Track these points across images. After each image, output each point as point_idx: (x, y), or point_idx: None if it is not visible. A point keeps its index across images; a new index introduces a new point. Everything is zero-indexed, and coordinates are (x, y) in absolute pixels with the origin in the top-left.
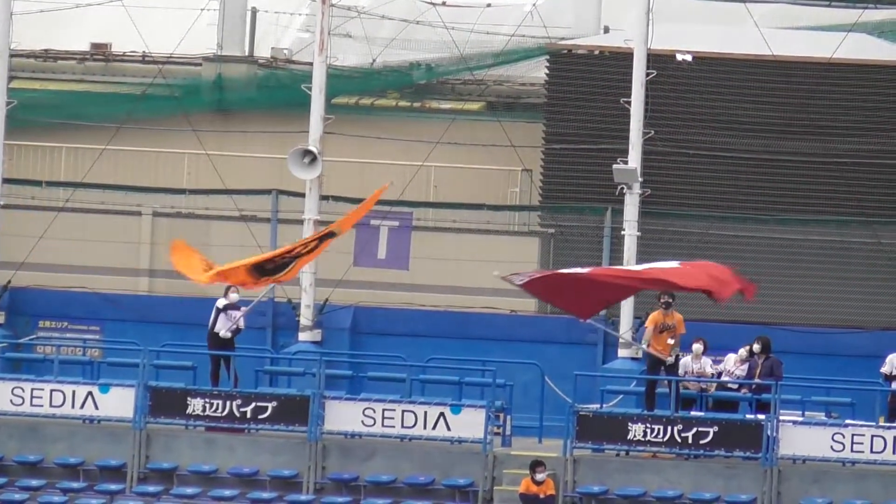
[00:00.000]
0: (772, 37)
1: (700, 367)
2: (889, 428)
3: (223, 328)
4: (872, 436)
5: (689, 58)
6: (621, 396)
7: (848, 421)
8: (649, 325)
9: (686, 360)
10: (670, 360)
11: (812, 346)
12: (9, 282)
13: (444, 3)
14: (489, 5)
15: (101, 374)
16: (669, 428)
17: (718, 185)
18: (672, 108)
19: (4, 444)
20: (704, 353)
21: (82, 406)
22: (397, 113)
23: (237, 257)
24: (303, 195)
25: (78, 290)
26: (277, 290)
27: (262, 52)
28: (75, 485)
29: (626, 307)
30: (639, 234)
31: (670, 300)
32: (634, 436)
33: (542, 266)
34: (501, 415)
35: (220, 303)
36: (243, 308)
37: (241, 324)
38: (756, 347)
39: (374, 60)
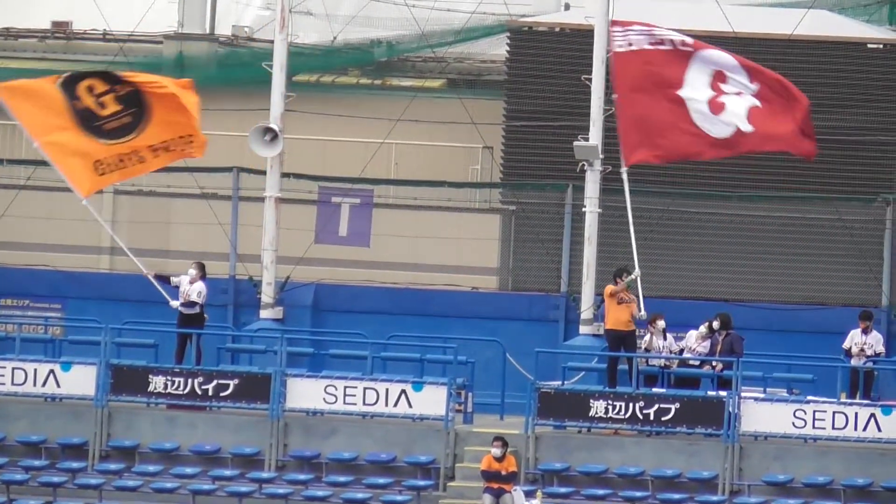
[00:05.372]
0: (732, 13)
1: (667, 343)
2: (850, 404)
3: (176, 301)
4: (834, 412)
5: None
6: (583, 373)
7: (809, 397)
8: (607, 293)
9: (649, 337)
10: (642, 315)
11: (773, 322)
12: None
13: None
14: None
15: (62, 352)
16: (631, 405)
17: (680, 162)
18: None
19: None
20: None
21: (44, 384)
22: (358, 90)
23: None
24: (264, 173)
25: (39, 268)
26: (239, 269)
27: (223, 29)
28: (37, 463)
29: (588, 285)
30: (600, 210)
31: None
32: (596, 413)
33: (504, 244)
34: (463, 392)
35: (173, 280)
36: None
37: (195, 297)
38: (716, 324)
39: (334, 38)
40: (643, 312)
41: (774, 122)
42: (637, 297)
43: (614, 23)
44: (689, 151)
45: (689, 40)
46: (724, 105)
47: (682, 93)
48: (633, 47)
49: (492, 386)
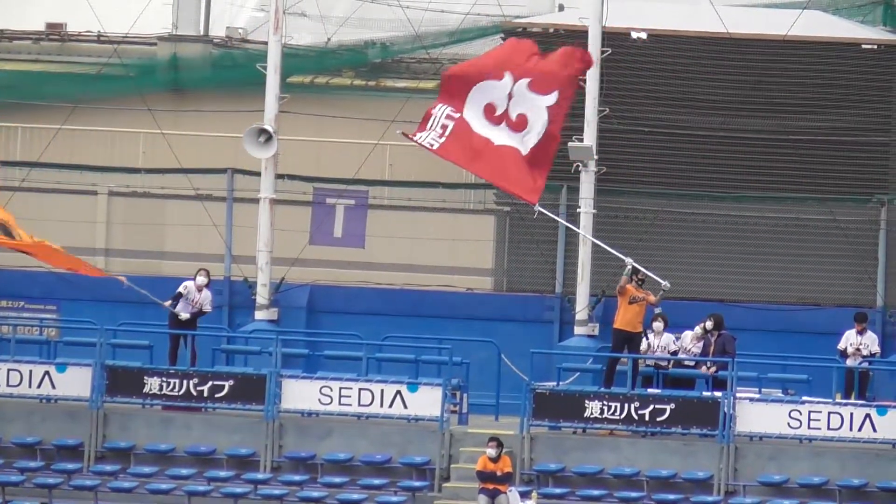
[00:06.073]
0: (726, 14)
1: (664, 343)
2: (845, 405)
3: (182, 309)
4: (829, 413)
5: (643, 36)
6: (578, 374)
7: (804, 398)
8: (618, 291)
9: (653, 340)
10: (665, 284)
11: (768, 323)
12: None
13: None
14: None
15: (57, 354)
16: (626, 405)
17: (674, 163)
18: (627, 85)
19: None
20: (665, 328)
21: (39, 385)
22: (352, 91)
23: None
24: (258, 174)
25: (34, 270)
26: (234, 270)
27: (217, 31)
28: (32, 464)
29: (583, 285)
30: (594, 211)
31: (643, 280)
32: (591, 413)
33: (499, 245)
34: (458, 393)
35: (182, 287)
36: (190, 287)
37: (208, 306)
38: (708, 325)
39: (328, 39)
40: (664, 282)
41: (549, 79)
42: (649, 278)
43: (410, 136)
44: (550, 156)
45: (452, 111)
46: (524, 116)
47: (498, 143)
48: (443, 139)
49: (487, 387)
